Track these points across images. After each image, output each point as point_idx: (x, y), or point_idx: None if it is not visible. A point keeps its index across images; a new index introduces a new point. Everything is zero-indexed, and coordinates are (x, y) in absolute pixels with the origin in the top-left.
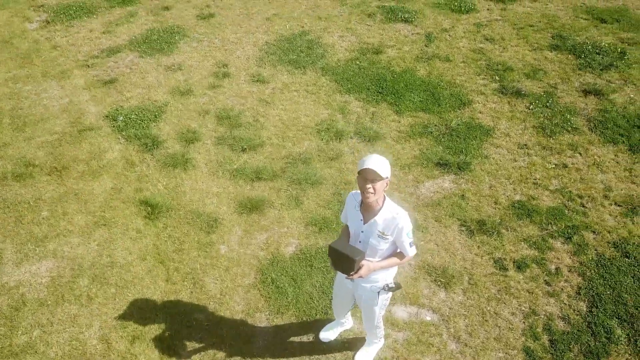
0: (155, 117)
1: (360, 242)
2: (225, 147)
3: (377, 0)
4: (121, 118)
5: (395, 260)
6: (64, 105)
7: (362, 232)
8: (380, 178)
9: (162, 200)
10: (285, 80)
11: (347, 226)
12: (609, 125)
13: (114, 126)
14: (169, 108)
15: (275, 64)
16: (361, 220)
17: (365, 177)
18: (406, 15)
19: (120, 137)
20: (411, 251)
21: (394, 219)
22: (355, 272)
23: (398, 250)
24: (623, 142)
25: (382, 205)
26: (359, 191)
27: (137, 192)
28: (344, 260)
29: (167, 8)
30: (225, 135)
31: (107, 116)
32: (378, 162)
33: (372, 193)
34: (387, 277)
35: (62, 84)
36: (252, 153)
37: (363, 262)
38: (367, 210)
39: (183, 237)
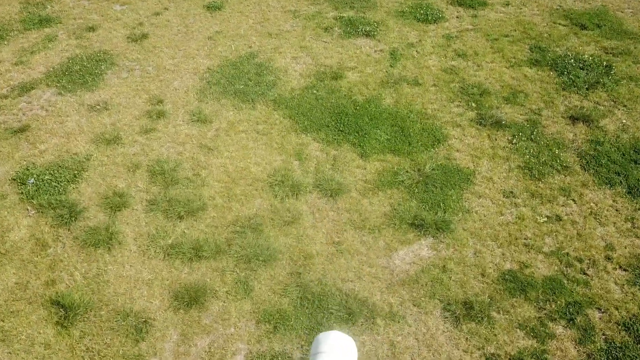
0: (75, 176)
1: None
2: (158, 214)
3: (334, 10)
4: (32, 181)
5: None
6: None
7: None
8: None
9: (80, 297)
10: (231, 118)
11: None
12: (603, 161)
13: (22, 192)
14: (91, 163)
15: (219, 96)
16: None
17: None
18: (367, 28)
19: (29, 207)
20: None
21: None
22: None
23: None
24: (620, 182)
25: None
26: None
27: (48, 286)
28: None
29: (92, 29)
30: (158, 198)
31: (14, 179)
32: (338, 355)
33: None
34: None
35: None
36: (190, 220)
37: None
38: None
39: (105, 350)
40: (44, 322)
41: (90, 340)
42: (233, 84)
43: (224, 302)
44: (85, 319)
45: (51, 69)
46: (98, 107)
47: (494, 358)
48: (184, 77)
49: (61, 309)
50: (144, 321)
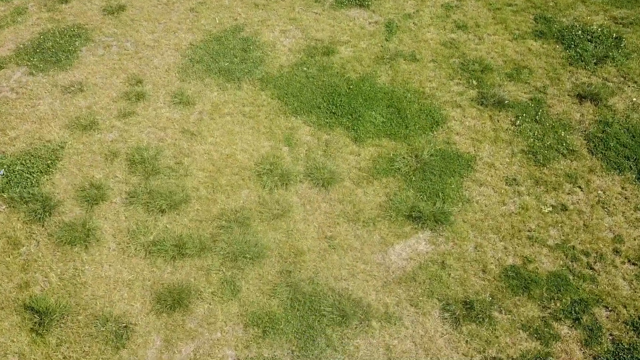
0: (48, 166)
1: None
2: (139, 208)
3: None
4: (2, 172)
5: None
6: None
7: None
8: None
9: (56, 301)
10: (215, 99)
11: None
12: (612, 144)
13: None
14: (66, 151)
15: (203, 75)
16: None
17: None
18: None
19: (0, 202)
20: None
21: None
22: None
23: None
24: (630, 167)
25: None
26: None
27: (22, 289)
28: None
29: (65, 0)
30: (138, 189)
31: None
32: None
33: None
34: None
35: None
36: (173, 214)
37: None
38: None
39: (83, 359)
40: (18, 329)
41: (67, 348)
42: (217, 62)
43: (210, 304)
44: (62, 324)
45: (21, 46)
46: (72, 88)
47: None
48: (165, 54)
49: (36, 315)
50: (125, 326)
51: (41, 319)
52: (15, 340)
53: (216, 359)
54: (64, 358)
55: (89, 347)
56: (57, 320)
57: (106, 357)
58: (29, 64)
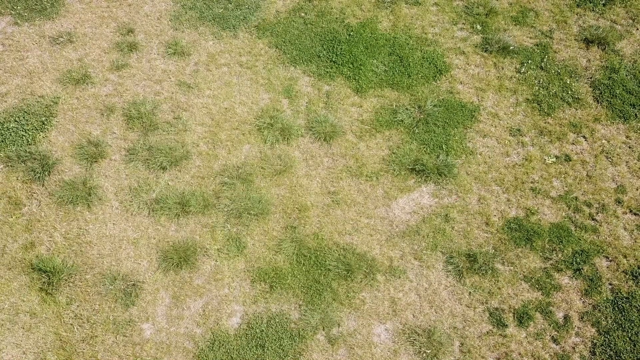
0: (43, 123)
1: None
2: (139, 165)
3: None
4: None
5: None
6: None
7: None
8: None
9: (63, 261)
10: (211, 49)
11: None
12: (618, 92)
13: None
14: (60, 107)
15: (197, 23)
16: None
17: None
18: None
19: None
20: None
21: None
22: None
23: None
24: (635, 115)
25: None
26: None
27: (27, 249)
28: None
29: None
30: (137, 146)
31: None
32: None
33: None
34: None
35: None
36: (174, 171)
37: None
38: None
39: (94, 316)
40: (27, 289)
41: (77, 306)
42: (211, 8)
43: (216, 260)
44: (71, 284)
45: None
46: (61, 39)
47: (497, 313)
48: (155, 0)
49: (44, 275)
50: (133, 284)
51: (49, 279)
52: (25, 299)
53: (225, 314)
54: (75, 316)
55: (99, 305)
56: (65, 280)
57: (117, 315)
58: (13, 12)
